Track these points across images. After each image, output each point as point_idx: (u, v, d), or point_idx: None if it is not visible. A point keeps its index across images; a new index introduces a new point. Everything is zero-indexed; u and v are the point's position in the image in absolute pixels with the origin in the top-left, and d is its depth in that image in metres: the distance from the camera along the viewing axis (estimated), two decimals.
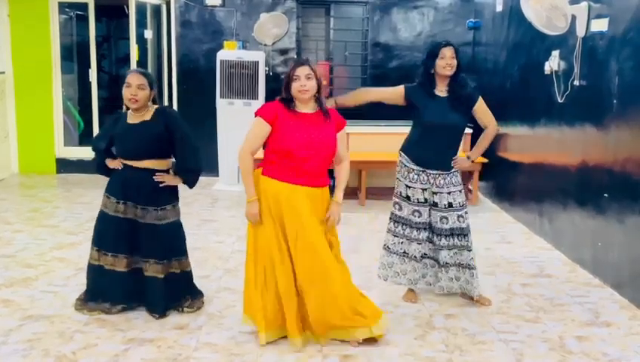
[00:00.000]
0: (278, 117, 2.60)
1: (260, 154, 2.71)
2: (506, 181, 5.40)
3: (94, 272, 2.98)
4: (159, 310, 2.98)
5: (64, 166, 6.54)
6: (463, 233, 3.15)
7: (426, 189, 3.13)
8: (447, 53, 3.04)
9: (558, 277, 3.71)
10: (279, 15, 6.08)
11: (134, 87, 2.85)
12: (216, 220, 5.03)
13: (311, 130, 2.60)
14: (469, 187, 5.73)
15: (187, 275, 3.09)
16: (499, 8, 5.54)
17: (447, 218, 3.12)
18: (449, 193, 3.12)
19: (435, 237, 3.18)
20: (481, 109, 3.18)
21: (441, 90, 3.12)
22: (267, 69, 6.21)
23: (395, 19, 6.48)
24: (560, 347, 2.76)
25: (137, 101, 2.86)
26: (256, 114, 2.64)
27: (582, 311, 3.17)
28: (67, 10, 6.77)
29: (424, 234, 3.17)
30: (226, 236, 4.53)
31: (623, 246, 3.39)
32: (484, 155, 5.56)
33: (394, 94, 3.15)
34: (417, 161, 3.12)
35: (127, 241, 2.94)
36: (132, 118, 2.93)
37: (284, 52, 6.51)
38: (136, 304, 3.04)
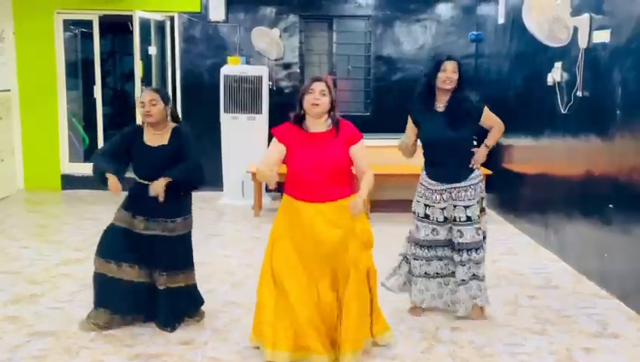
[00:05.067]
0: (290, 138, 2.69)
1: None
2: (511, 192, 5.41)
3: (99, 280, 3.00)
4: (168, 323, 3.00)
5: (69, 182, 6.58)
6: (480, 246, 3.14)
7: (444, 208, 3.12)
8: (449, 67, 3.04)
9: (564, 288, 3.71)
10: (278, 42, 6.12)
11: (147, 104, 2.95)
12: (221, 234, 5.05)
13: (319, 149, 2.65)
14: None
15: (191, 289, 3.11)
16: (501, 20, 5.58)
17: (462, 232, 3.11)
18: (466, 207, 3.10)
19: (454, 254, 3.16)
20: (488, 118, 3.20)
21: (440, 105, 3.11)
22: (271, 83, 6.26)
23: (397, 32, 6.54)
24: (567, 359, 2.76)
25: (152, 116, 2.94)
26: (272, 132, 2.77)
27: (589, 322, 3.17)
28: (72, 27, 6.87)
29: (442, 252, 3.17)
30: (231, 250, 4.54)
31: (629, 257, 3.39)
32: (488, 167, 5.60)
33: (413, 128, 3.18)
34: (433, 176, 3.13)
35: (135, 252, 2.98)
36: (150, 138, 2.98)
37: (287, 66, 6.57)
38: (145, 316, 3.06)
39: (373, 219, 5.35)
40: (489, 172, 5.51)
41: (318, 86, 2.66)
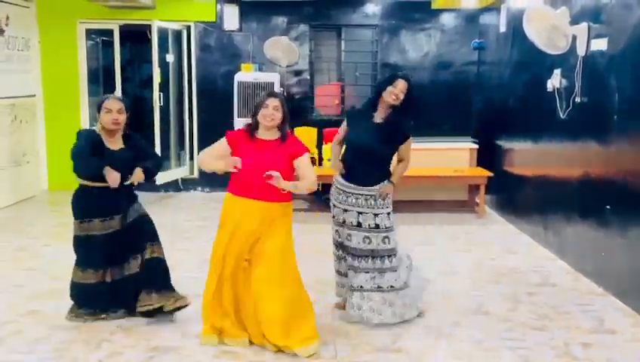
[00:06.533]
0: (239, 142, 2.89)
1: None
2: (511, 194, 5.50)
3: (82, 290, 3.12)
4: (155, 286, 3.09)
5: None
6: (388, 254, 3.12)
7: (347, 210, 3.14)
8: (400, 84, 3.10)
9: (562, 286, 3.80)
10: (290, 45, 6.32)
11: (115, 112, 3.04)
12: None
13: (262, 155, 2.83)
14: (476, 200, 5.86)
15: (162, 263, 3.20)
16: (502, 29, 5.71)
17: (370, 238, 3.11)
18: (376, 215, 3.12)
19: (353, 260, 3.14)
20: (405, 148, 3.20)
21: (379, 117, 3.16)
22: (282, 89, 6.44)
23: (403, 40, 6.71)
24: (565, 354, 2.84)
25: (119, 123, 3.06)
26: (225, 134, 2.96)
27: (586, 318, 3.25)
28: (93, 36, 7.12)
29: (342, 253, 3.23)
30: None
31: (625, 256, 3.48)
32: (489, 169, 5.73)
33: (342, 131, 3.26)
34: (350, 178, 3.16)
35: (112, 254, 3.10)
36: (109, 143, 3.10)
37: (298, 73, 6.77)
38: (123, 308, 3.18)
39: None
40: (490, 174, 5.65)
41: (272, 102, 2.86)
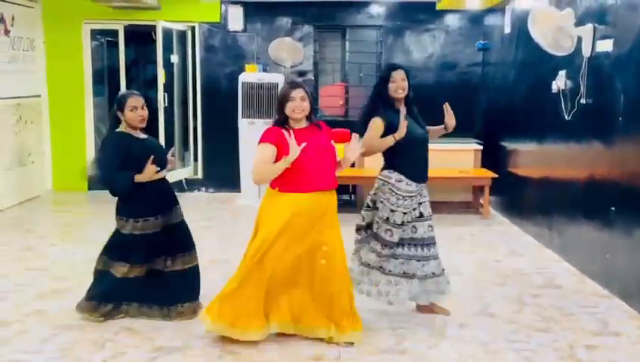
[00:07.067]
0: (281, 141, 2.80)
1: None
2: (516, 195, 5.50)
3: (121, 283, 3.12)
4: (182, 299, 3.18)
5: (96, 183, 6.78)
6: (433, 242, 3.19)
7: (415, 209, 3.15)
8: (397, 76, 3.06)
9: (567, 288, 3.79)
10: (298, 50, 6.33)
11: (140, 109, 3.06)
12: (238, 234, 5.20)
13: (311, 141, 2.81)
14: (481, 201, 5.86)
15: (196, 270, 3.29)
16: (507, 30, 5.71)
17: (432, 226, 3.19)
18: (429, 202, 3.23)
19: (416, 249, 3.14)
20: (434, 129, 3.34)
21: (402, 108, 3.14)
22: None
23: (407, 41, 6.71)
24: (570, 356, 2.83)
25: (145, 119, 3.10)
26: (260, 141, 2.89)
27: (591, 320, 3.24)
28: (98, 36, 7.16)
29: (405, 251, 3.16)
30: None
31: (630, 257, 3.48)
32: (494, 170, 5.71)
33: (379, 130, 3.08)
34: (416, 177, 3.11)
35: (156, 250, 3.16)
36: (136, 135, 3.13)
37: (302, 74, 6.78)
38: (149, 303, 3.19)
39: None
40: (494, 175, 5.64)
41: (298, 93, 2.82)
